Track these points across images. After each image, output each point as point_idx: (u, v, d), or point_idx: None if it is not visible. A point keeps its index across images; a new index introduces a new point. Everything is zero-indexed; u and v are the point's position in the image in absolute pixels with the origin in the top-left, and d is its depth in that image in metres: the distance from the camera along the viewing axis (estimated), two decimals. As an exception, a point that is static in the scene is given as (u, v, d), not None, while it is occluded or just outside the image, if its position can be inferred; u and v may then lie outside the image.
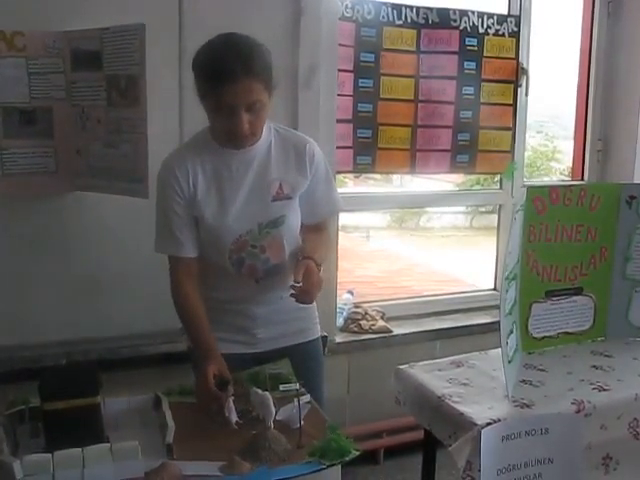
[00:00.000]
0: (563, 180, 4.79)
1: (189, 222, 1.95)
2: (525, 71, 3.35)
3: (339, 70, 2.88)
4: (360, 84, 2.98)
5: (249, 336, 2.05)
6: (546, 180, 6.52)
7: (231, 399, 1.74)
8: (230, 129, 1.84)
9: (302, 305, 1.92)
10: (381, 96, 3.03)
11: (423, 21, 3.07)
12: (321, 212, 2.08)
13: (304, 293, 1.86)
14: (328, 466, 1.53)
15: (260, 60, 1.82)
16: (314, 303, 2.04)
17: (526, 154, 3.69)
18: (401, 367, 2.13)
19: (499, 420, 1.74)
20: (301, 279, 1.83)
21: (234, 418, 1.73)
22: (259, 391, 1.72)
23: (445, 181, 4.84)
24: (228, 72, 1.76)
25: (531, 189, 2.11)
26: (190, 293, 1.96)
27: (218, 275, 2.00)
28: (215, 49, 1.82)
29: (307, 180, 2.00)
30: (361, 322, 3.16)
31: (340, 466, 1.56)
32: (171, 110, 2.51)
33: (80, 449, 1.46)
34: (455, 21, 3.13)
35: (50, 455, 1.44)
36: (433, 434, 1.94)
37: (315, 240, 2.03)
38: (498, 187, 3.61)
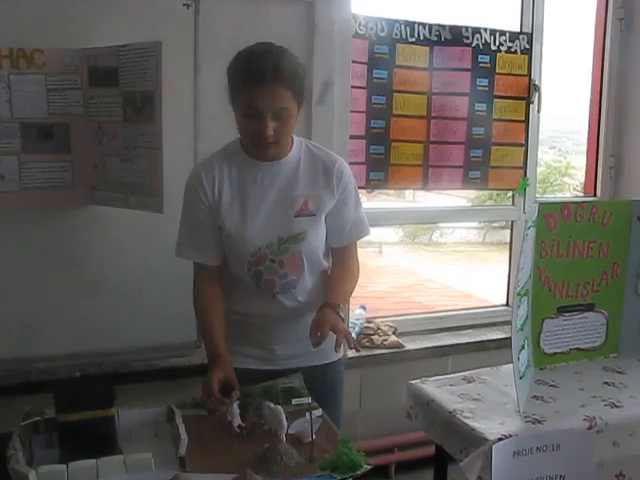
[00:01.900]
0: (576, 196, 4.78)
1: (213, 230, 1.96)
2: (537, 88, 3.36)
3: (352, 86, 2.90)
4: (373, 100, 3.01)
5: (268, 352, 2.05)
6: (559, 196, 6.52)
7: (235, 404, 1.76)
8: (255, 134, 1.85)
9: None
10: (394, 112, 3.05)
11: (436, 38, 3.09)
12: (348, 235, 2.06)
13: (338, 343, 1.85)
14: (339, 480, 1.54)
15: (292, 69, 1.84)
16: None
17: (539, 170, 3.69)
18: (413, 382, 2.13)
19: (510, 436, 1.73)
20: (317, 340, 1.83)
21: (237, 422, 1.73)
22: (271, 405, 1.73)
23: (458, 197, 4.85)
24: (258, 76, 1.79)
25: (543, 205, 2.12)
26: (208, 299, 1.98)
27: (239, 287, 2.01)
28: (249, 53, 1.85)
29: (334, 199, 1.99)
30: (373, 337, 3.16)
31: (351, 480, 1.57)
32: (186, 126, 2.54)
33: (94, 460, 1.47)
34: (467, 38, 3.16)
35: (65, 466, 1.45)
36: (444, 449, 1.94)
37: (338, 276, 2.03)
38: (511, 203, 3.61)
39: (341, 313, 1.94)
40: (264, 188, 1.95)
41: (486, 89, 3.22)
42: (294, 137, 2.00)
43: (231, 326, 2.00)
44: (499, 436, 1.72)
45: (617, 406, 1.94)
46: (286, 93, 1.82)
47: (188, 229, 1.99)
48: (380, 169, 3.07)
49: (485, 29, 3.19)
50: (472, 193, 5.30)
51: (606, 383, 2.11)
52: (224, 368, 1.85)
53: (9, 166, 2.31)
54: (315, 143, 2.07)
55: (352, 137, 2.94)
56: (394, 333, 3.23)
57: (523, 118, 3.34)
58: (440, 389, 2.06)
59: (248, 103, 1.82)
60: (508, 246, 3.71)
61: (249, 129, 1.87)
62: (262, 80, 1.79)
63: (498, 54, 3.23)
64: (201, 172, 1.97)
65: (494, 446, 1.69)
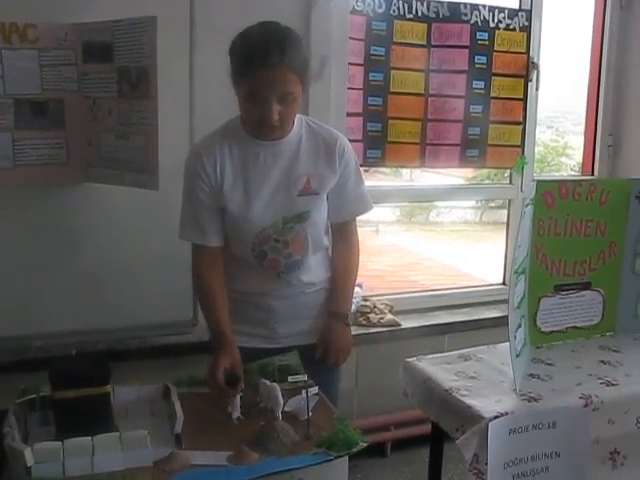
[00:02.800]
0: (573, 176, 4.77)
1: (215, 210, 1.94)
2: (536, 65, 3.33)
3: (349, 63, 2.88)
4: (370, 77, 2.98)
5: (269, 330, 2.05)
6: (556, 176, 6.51)
7: (238, 396, 1.74)
8: (260, 118, 1.83)
9: (323, 303, 2.07)
10: (391, 90, 3.03)
11: (434, 15, 3.06)
12: (349, 210, 2.06)
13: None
14: (336, 457, 1.54)
15: (298, 52, 1.81)
16: None
17: (536, 149, 3.67)
18: (409, 360, 2.14)
19: (507, 413, 1.74)
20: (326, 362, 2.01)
21: (236, 415, 1.73)
22: (267, 382, 1.73)
23: (455, 176, 4.84)
24: (265, 60, 1.75)
25: (541, 183, 2.10)
26: (212, 282, 1.96)
27: (241, 266, 2.00)
28: (254, 36, 1.80)
29: (336, 176, 1.98)
30: (370, 315, 3.16)
31: (347, 457, 1.57)
32: (182, 102, 2.52)
33: (90, 437, 1.47)
34: (466, 15, 3.12)
35: (60, 443, 1.45)
36: (440, 427, 1.94)
37: (342, 272, 2.08)
38: (508, 182, 3.59)
39: (349, 321, 2.09)
40: (267, 168, 1.94)
41: (484, 66, 3.19)
42: None
43: (231, 305, 1.98)
44: (495, 414, 1.73)
45: (613, 384, 1.94)
46: (293, 77, 1.80)
47: (191, 211, 1.96)
48: (377, 147, 3.05)
49: (484, 6, 3.15)
50: (469, 173, 5.29)
51: (602, 361, 2.11)
52: (230, 355, 1.83)
53: (3, 143, 2.30)
54: (314, 119, 2.06)
55: (349, 114, 2.92)
56: (391, 311, 3.23)
57: (521, 96, 3.31)
58: (436, 367, 2.06)
59: (253, 88, 1.79)
60: (504, 226, 3.71)
61: (253, 113, 1.84)
62: (268, 66, 1.75)
63: (497, 31, 3.19)
64: (202, 152, 1.94)
65: (490, 424, 1.69)
